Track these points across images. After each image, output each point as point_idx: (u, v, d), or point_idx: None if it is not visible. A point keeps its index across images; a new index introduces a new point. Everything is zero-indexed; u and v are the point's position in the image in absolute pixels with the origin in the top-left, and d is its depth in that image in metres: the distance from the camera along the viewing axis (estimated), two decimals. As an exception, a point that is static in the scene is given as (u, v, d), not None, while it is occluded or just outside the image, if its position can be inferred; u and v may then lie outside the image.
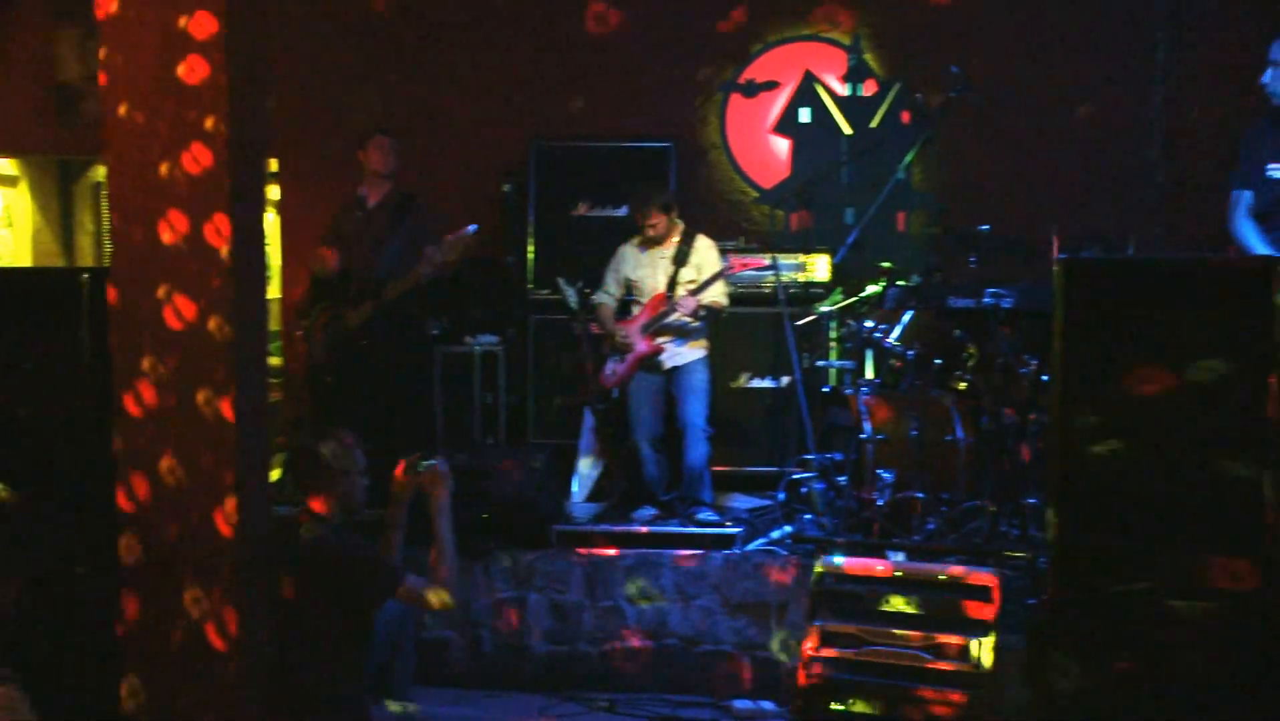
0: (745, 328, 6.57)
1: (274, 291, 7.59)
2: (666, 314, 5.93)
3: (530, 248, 6.99)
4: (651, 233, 6.02)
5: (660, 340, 5.99)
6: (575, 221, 6.97)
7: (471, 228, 5.87)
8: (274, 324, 7.54)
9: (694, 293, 5.90)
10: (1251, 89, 4.93)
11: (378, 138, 6.29)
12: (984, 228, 5.95)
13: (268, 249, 7.38)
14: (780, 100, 7.42)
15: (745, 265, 6.03)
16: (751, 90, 7.44)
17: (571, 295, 6.33)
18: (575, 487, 6.38)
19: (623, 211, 6.67)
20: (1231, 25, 5.83)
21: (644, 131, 7.23)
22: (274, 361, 7.44)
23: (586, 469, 6.42)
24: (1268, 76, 4.35)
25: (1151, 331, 3.28)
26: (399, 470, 4.24)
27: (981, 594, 4.41)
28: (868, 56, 7.33)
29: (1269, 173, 4.36)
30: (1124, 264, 3.46)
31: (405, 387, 6.16)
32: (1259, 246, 4.31)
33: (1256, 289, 3.15)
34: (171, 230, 3.84)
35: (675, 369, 6.03)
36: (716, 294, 5.97)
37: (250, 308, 3.99)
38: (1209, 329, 3.24)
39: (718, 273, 5.94)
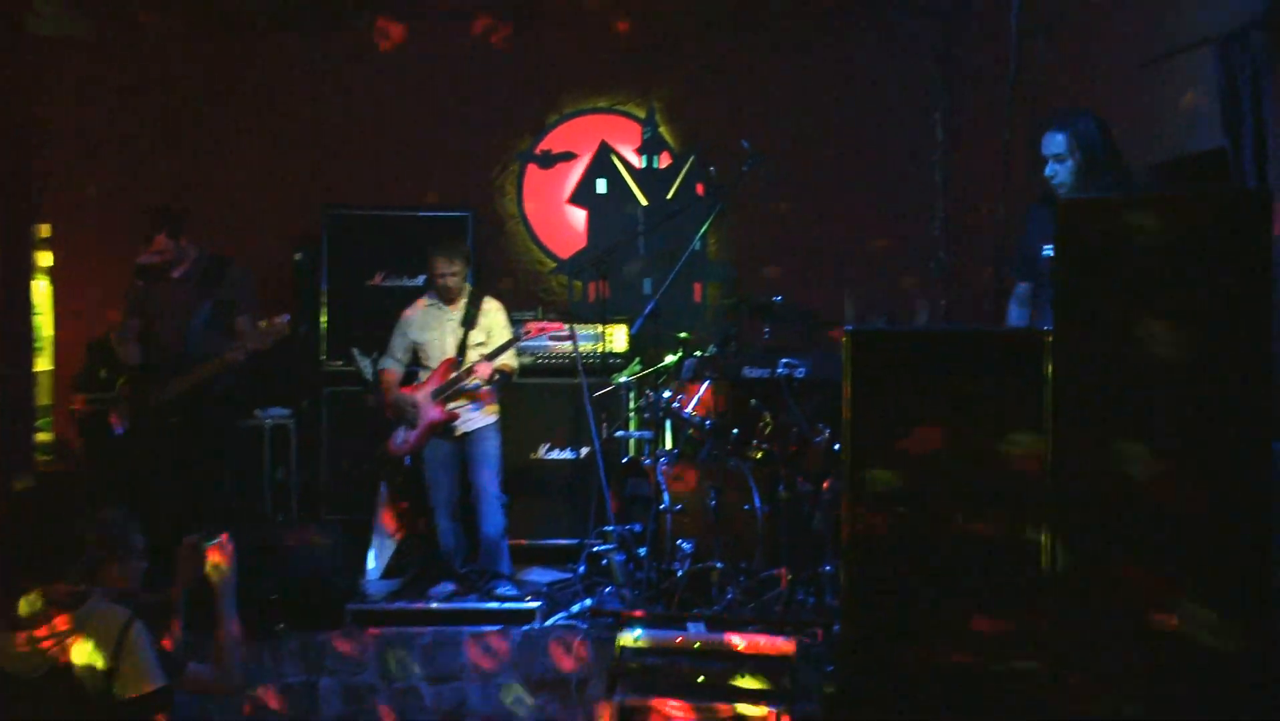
0: (544, 398, 6.55)
1: (45, 363, 7.17)
2: (459, 379, 5.84)
3: (323, 318, 6.81)
4: (451, 281, 5.92)
5: (453, 406, 5.89)
6: (370, 291, 6.81)
7: (284, 317, 5.66)
8: (44, 397, 7.12)
9: (489, 358, 5.84)
10: (1021, 166, 5.23)
11: (159, 240, 5.77)
12: (777, 299, 6.09)
13: (38, 318, 6.99)
14: (577, 171, 7.48)
15: (542, 329, 5.98)
16: (548, 161, 7.48)
17: (366, 366, 6.20)
18: (371, 563, 6.20)
19: (419, 281, 6.58)
20: (1000, 106, 6.13)
21: (441, 201, 7.18)
22: (44, 437, 7.02)
23: (382, 544, 6.25)
24: (1049, 170, 4.57)
25: (934, 400, 3.40)
26: (181, 549, 4.03)
27: (780, 663, 4.44)
28: (663, 129, 7.47)
29: (1045, 252, 4.60)
30: (907, 335, 3.58)
31: (201, 464, 5.85)
32: None
33: (1029, 359, 3.32)
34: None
35: (467, 435, 5.94)
36: (508, 356, 5.93)
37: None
38: (987, 397, 3.39)
39: (511, 340, 5.91)
